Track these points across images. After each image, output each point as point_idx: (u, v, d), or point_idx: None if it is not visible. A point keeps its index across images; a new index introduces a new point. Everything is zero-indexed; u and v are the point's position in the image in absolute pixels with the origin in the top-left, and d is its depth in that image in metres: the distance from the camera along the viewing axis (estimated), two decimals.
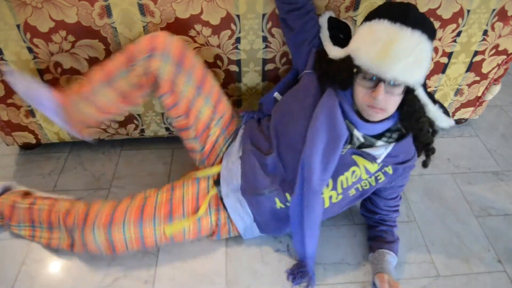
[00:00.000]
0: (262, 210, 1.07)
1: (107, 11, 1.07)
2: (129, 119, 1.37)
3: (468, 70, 1.37)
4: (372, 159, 0.99)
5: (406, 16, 0.84)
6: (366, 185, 1.05)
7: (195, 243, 1.20)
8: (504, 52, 1.33)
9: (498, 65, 1.38)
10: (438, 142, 1.57)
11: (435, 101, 0.97)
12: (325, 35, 1.03)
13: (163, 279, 1.12)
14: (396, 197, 1.16)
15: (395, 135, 1.00)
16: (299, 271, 1.10)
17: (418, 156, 1.06)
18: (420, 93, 0.92)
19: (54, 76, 1.21)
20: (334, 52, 0.97)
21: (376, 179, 1.04)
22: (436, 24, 1.21)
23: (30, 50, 1.14)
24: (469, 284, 1.13)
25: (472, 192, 1.39)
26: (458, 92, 1.46)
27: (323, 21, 1.05)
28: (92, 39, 1.13)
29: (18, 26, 1.08)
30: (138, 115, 1.37)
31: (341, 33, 1.03)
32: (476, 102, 1.51)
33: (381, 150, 0.99)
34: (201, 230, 1.10)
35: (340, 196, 1.05)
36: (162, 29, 1.13)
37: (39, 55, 1.15)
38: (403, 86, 0.89)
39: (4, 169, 1.43)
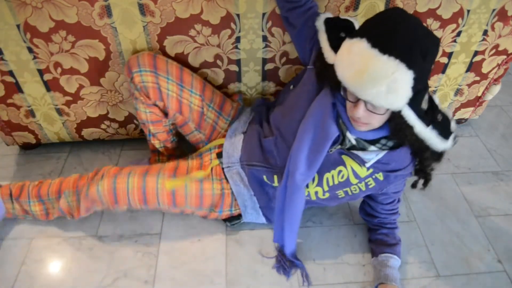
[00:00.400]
0: (252, 182, 1.11)
1: (107, 11, 1.07)
2: (129, 119, 1.38)
3: (468, 70, 1.37)
4: (361, 162, 0.98)
5: (386, 41, 0.79)
6: (355, 190, 1.04)
7: (195, 243, 1.21)
8: (504, 52, 1.33)
9: (498, 65, 1.37)
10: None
11: (433, 122, 0.90)
12: (322, 38, 1.00)
13: (163, 279, 1.12)
14: (392, 202, 1.14)
15: (390, 143, 0.97)
16: (284, 262, 1.13)
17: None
18: (407, 115, 0.86)
19: (54, 76, 1.21)
20: (329, 56, 0.96)
21: (366, 185, 1.03)
22: (436, 24, 1.21)
23: (30, 50, 1.14)
24: (469, 284, 1.13)
25: (472, 192, 1.39)
26: (458, 92, 1.46)
27: (320, 24, 1.02)
28: (92, 39, 1.13)
29: (18, 26, 1.08)
30: None
31: (344, 31, 0.99)
32: (476, 102, 1.51)
33: (372, 155, 0.97)
34: (203, 196, 1.11)
35: (327, 194, 1.06)
36: (162, 29, 1.13)
37: (39, 55, 1.15)
38: (384, 109, 0.86)
39: (4, 169, 1.43)
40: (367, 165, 0.98)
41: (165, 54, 1.19)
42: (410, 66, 0.78)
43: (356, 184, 1.02)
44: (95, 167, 1.14)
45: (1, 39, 1.10)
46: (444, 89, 1.43)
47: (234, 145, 1.14)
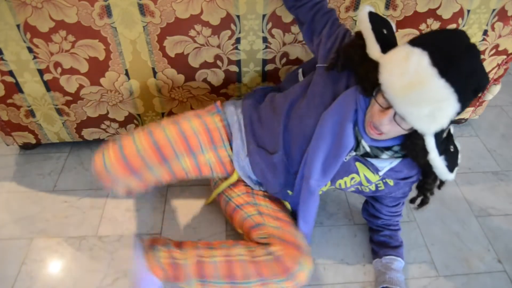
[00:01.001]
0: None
1: (107, 11, 1.07)
2: (129, 119, 1.38)
3: None
4: (375, 170, 0.96)
5: (449, 65, 0.73)
6: (365, 189, 1.04)
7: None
8: (504, 52, 1.33)
9: (498, 65, 1.37)
10: None
11: (445, 152, 0.89)
12: (366, 28, 0.88)
13: None
14: (398, 205, 1.14)
15: (402, 153, 0.95)
16: None
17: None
18: (428, 141, 0.84)
19: (54, 76, 1.21)
20: (374, 50, 0.86)
21: (377, 187, 1.02)
22: (436, 24, 1.21)
23: (30, 50, 1.14)
24: (469, 284, 1.13)
25: (472, 192, 1.39)
26: None
27: (363, 14, 0.91)
28: (92, 39, 1.13)
29: (18, 26, 1.08)
30: (138, 115, 1.37)
31: (385, 28, 0.92)
32: (476, 102, 1.51)
33: (386, 163, 0.95)
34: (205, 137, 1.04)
35: (338, 188, 1.07)
36: (162, 29, 1.13)
37: (39, 55, 1.15)
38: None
39: (4, 169, 1.43)
40: (381, 173, 0.96)
41: (165, 54, 1.19)
42: (460, 99, 0.75)
43: (366, 186, 1.02)
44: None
45: (1, 39, 1.10)
46: None
47: (245, 170, 1.08)
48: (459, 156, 0.93)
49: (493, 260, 1.19)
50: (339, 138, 0.92)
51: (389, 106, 0.81)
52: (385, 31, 0.89)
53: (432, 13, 1.18)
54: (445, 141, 0.88)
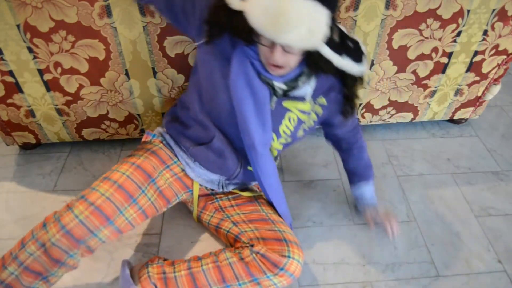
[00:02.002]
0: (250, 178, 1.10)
1: (107, 11, 1.07)
2: (129, 119, 1.38)
3: (468, 70, 1.37)
4: (301, 99, 0.99)
5: None
6: (310, 123, 1.06)
7: (195, 243, 1.21)
8: (504, 52, 1.33)
9: (498, 65, 1.38)
10: (438, 142, 1.58)
11: (346, 49, 0.91)
12: None
13: None
14: (349, 118, 1.12)
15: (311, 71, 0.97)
16: None
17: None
18: (324, 51, 0.86)
19: (54, 76, 1.21)
20: (233, 0, 0.85)
21: (316, 114, 1.04)
22: (436, 24, 1.21)
23: (30, 50, 1.14)
24: (469, 284, 1.13)
25: (472, 192, 1.39)
26: (458, 92, 1.46)
27: None
28: (92, 39, 1.13)
29: (18, 26, 1.08)
30: (138, 115, 1.37)
31: None
32: (476, 102, 1.51)
33: (306, 88, 0.98)
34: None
35: (290, 139, 1.06)
36: (162, 29, 1.12)
37: (39, 55, 1.15)
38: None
39: (4, 169, 1.43)
40: (308, 97, 0.99)
41: (165, 54, 1.19)
42: (325, 3, 0.78)
43: (307, 119, 1.04)
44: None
45: (1, 39, 1.10)
46: (444, 89, 1.43)
47: (201, 174, 1.09)
48: (361, 45, 0.94)
49: (493, 260, 1.19)
50: (254, 94, 0.94)
51: (273, 42, 0.83)
52: None
53: (432, 13, 1.18)
54: (341, 42, 0.90)
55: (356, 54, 0.92)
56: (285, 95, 0.99)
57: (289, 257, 0.93)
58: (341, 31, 0.91)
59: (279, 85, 0.96)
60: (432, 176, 1.44)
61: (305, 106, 1.01)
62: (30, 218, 1.26)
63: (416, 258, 1.19)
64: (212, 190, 1.14)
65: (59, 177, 1.40)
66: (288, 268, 0.93)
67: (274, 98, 0.98)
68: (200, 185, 1.12)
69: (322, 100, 1.03)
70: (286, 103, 1.00)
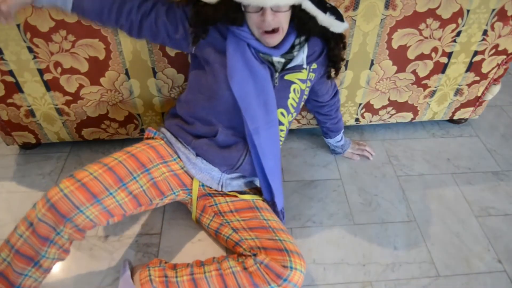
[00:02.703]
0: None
1: None
2: (129, 119, 1.38)
3: (468, 70, 1.38)
4: (299, 68, 1.05)
5: None
6: (307, 92, 1.13)
7: (195, 243, 1.21)
8: (504, 52, 1.33)
9: (498, 65, 1.38)
10: (438, 142, 1.58)
11: (326, 9, 0.98)
12: None
13: None
14: (330, 87, 1.25)
15: (303, 38, 1.03)
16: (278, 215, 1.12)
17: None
18: (308, 6, 0.92)
19: (54, 76, 1.21)
20: None
21: (310, 80, 1.10)
22: (436, 24, 1.21)
23: (30, 50, 1.14)
24: (469, 284, 1.13)
25: (472, 192, 1.39)
26: (458, 92, 1.46)
27: None
28: (92, 38, 1.13)
29: (18, 26, 1.08)
30: (138, 114, 1.37)
31: None
32: (476, 102, 1.51)
33: (300, 56, 1.03)
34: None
35: (295, 113, 1.13)
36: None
37: (39, 54, 1.15)
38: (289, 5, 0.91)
39: (4, 169, 1.43)
40: (305, 65, 1.05)
41: (165, 54, 1.19)
42: None
43: (305, 88, 1.10)
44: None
45: (1, 39, 1.10)
46: (444, 89, 1.44)
47: (204, 172, 1.09)
48: (339, 10, 1.02)
49: (493, 260, 1.19)
50: (254, 75, 0.98)
51: (261, 7, 0.88)
52: None
53: (431, 13, 1.18)
54: (321, 2, 0.97)
55: (337, 13, 0.99)
56: (284, 69, 1.03)
57: (291, 267, 0.92)
58: None
59: (278, 60, 1.01)
60: (432, 176, 1.44)
61: (303, 75, 1.07)
62: None
63: (416, 258, 1.19)
64: (211, 190, 1.14)
65: (59, 177, 1.40)
66: (292, 279, 0.92)
67: (276, 75, 1.03)
68: (200, 184, 1.12)
69: (314, 65, 1.09)
70: (288, 76, 1.05)
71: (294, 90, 1.06)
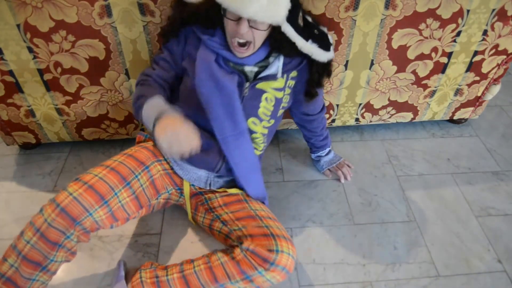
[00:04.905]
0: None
1: (107, 10, 1.07)
2: (129, 119, 1.38)
3: (468, 70, 1.38)
4: (273, 77, 1.02)
5: None
6: (286, 99, 1.09)
7: (195, 243, 1.21)
8: (504, 52, 1.33)
9: (498, 65, 1.38)
10: (438, 142, 1.58)
11: (311, 36, 0.96)
12: None
13: None
14: (317, 100, 1.21)
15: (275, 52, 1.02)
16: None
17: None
18: (287, 30, 0.91)
19: (54, 76, 1.21)
20: None
21: (290, 87, 1.08)
22: (436, 24, 1.21)
23: (30, 50, 1.14)
24: (469, 284, 1.13)
25: (472, 192, 1.39)
26: (458, 92, 1.46)
27: None
28: (92, 38, 1.13)
29: (18, 26, 1.08)
30: None
31: None
32: (476, 102, 1.51)
33: (275, 66, 1.01)
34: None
35: (272, 121, 1.09)
36: (162, 28, 1.13)
37: (39, 55, 1.15)
38: (267, 24, 0.90)
39: (4, 169, 1.43)
40: (279, 75, 1.02)
41: None
42: None
43: (283, 96, 1.07)
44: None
45: (1, 39, 1.10)
46: (444, 89, 1.44)
47: (190, 172, 1.10)
48: (329, 36, 1.02)
49: (493, 260, 1.19)
50: (221, 88, 0.97)
51: (239, 17, 0.88)
52: None
53: (431, 13, 1.18)
54: (306, 29, 0.96)
55: (323, 42, 0.97)
56: (257, 77, 1.02)
57: (277, 251, 0.91)
58: (306, 20, 0.96)
59: (250, 69, 1.00)
60: (432, 176, 1.44)
61: (279, 83, 1.04)
62: (30, 218, 1.26)
63: (416, 258, 1.19)
64: (201, 189, 1.14)
65: (59, 177, 1.40)
66: (279, 262, 0.91)
67: (247, 84, 1.01)
68: (191, 184, 1.12)
69: (294, 73, 1.07)
70: (260, 85, 1.03)
71: (266, 99, 1.04)
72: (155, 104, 0.94)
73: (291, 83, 1.07)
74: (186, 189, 1.12)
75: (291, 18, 0.90)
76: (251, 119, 1.04)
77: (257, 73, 1.02)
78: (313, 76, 1.06)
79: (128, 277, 1.02)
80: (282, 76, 1.04)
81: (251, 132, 1.05)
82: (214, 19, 0.95)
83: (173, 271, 0.98)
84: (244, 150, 1.04)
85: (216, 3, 0.89)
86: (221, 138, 1.01)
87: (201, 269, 0.95)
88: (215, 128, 1.00)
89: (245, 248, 0.93)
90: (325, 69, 1.06)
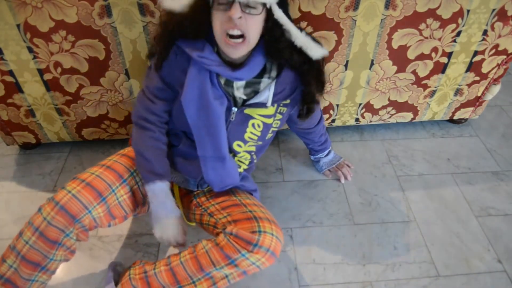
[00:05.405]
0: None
1: (107, 10, 1.07)
2: (129, 119, 1.38)
3: (468, 70, 1.38)
4: (262, 105, 0.98)
5: None
6: (276, 124, 1.05)
7: (195, 243, 1.20)
8: (504, 52, 1.33)
9: (498, 65, 1.38)
10: (438, 142, 1.58)
11: (300, 29, 0.91)
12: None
13: None
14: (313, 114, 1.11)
15: (273, 73, 0.96)
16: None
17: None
18: (280, 16, 0.85)
19: (54, 76, 1.21)
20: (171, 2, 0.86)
21: (281, 113, 1.03)
22: (436, 24, 1.21)
23: (30, 50, 1.14)
24: (469, 284, 1.13)
25: (472, 192, 1.39)
26: (458, 92, 1.46)
27: None
28: (92, 38, 1.13)
29: (18, 26, 1.08)
30: None
31: None
32: (476, 102, 1.51)
33: (265, 93, 0.96)
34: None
35: (260, 142, 1.06)
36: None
37: (39, 55, 1.15)
38: (260, 6, 0.83)
39: (4, 169, 1.43)
40: (268, 104, 0.97)
41: None
42: None
43: (273, 121, 1.03)
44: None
45: (1, 39, 1.10)
46: (444, 89, 1.43)
47: (177, 175, 1.09)
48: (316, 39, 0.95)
49: (493, 260, 1.19)
50: (208, 111, 0.93)
51: (231, 4, 0.81)
52: None
53: (431, 13, 1.18)
54: (297, 25, 0.90)
55: (314, 38, 0.92)
56: (245, 103, 0.98)
57: (260, 232, 0.90)
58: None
59: (239, 95, 0.96)
60: (432, 176, 1.44)
61: (269, 111, 1.00)
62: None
63: (416, 258, 1.19)
64: (189, 189, 1.14)
65: (59, 177, 1.40)
66: (262, 243, 0.89)
67: (234, 110, 0.97)
68: (179, 186, 1.12)
69: (287, 101, 1.01)
70: (248, 111, 0.98)
71: (253, 124, 1.01)
72: (158, 193, 0.99)
73: (283, 109, 1.03)
74: (176, 191, 1.12)
75: (282, 3, 0.86)
76: (236, 142, 1.02)
77: (246, 100, 0.98)
78: (309, 87, 0.98)
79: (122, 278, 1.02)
80: (273, 105, 0.99)
81: (235, 152, 1.03)
82: (200, 26, 0.89)
83: (160, 264, 0.98)
84: (222, 173, 1.01)
85: (204, 1, 0.84)
86: (201, 156, 0.99)
87: (186, 259, 0.95)
88: (197, 145, 0.98)
89: (228, 232, 0.92)
90: (319, 78, 0.98)
